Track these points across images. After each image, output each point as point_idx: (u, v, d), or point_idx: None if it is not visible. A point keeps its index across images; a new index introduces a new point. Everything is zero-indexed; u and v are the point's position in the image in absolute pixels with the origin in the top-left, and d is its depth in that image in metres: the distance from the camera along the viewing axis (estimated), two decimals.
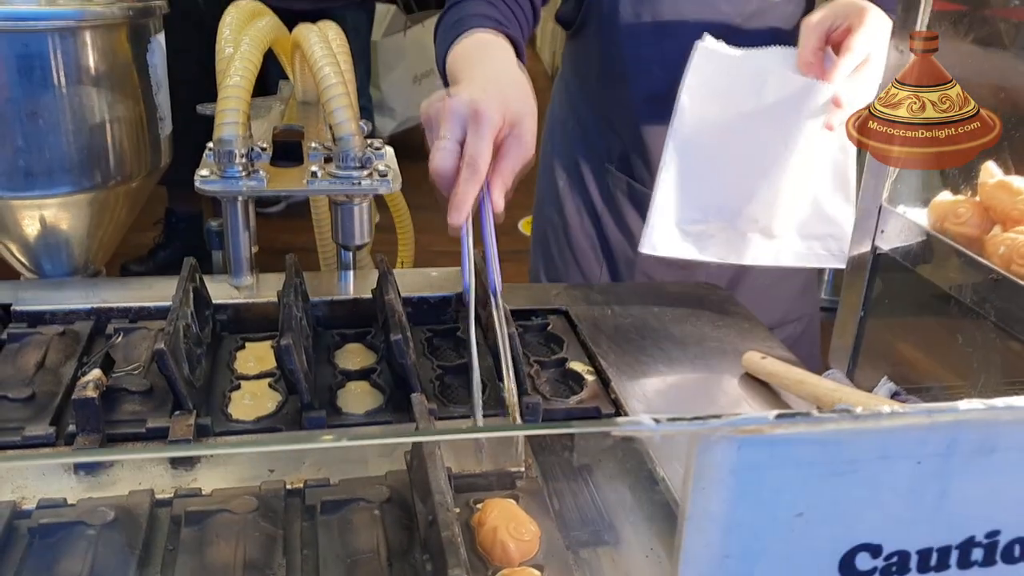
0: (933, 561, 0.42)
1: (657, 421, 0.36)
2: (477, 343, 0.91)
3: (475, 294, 0.79)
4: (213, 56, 0.87)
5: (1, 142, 1.08)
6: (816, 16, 0.94)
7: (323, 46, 0.77)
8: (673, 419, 0.36)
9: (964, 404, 0.39)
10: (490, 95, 0.76)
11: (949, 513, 0.41)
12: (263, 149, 0.78)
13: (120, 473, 0.70)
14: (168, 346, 0.70)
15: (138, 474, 0.70)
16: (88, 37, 1.11)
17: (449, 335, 0.96)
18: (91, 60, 1.12)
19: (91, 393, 0.72)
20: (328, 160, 0.77)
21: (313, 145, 0.78)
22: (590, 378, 0.87)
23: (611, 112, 1.22)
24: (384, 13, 4.27)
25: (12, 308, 0.93)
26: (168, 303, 0.92)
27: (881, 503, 0.40)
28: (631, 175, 1.23)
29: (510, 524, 0.63)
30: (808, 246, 1.03)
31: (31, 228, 1.13)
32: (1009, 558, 0.42)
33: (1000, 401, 0.39)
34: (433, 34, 1.04)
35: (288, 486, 0.68)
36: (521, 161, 0.78)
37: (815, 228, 1.01)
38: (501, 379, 0.85)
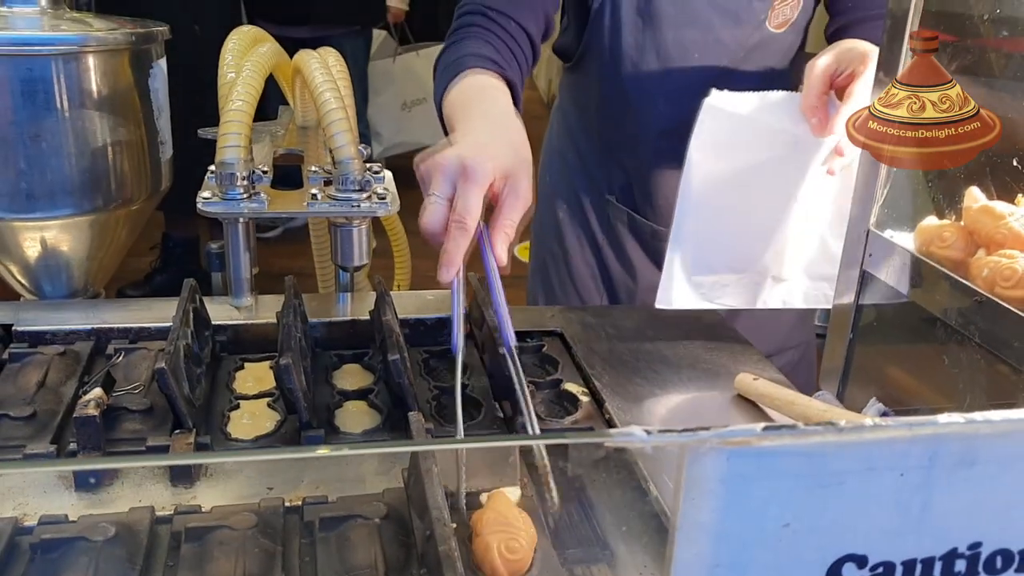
0: (917, 572, 0.43)
1: (648, 433, 0.38)
2: (472, 366, 0.92)
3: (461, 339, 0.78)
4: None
5: (4, 164, 1.10)
6: (821, 60, 0.95)
7: (323, 72, 0.79)
8: (663, 431, 0.38)
9: (944, 417, 0.40)
10: (481, 149, 0.77)
11: (932, 524, 0.42)
12: (264, 172, 0.80)
13: (121, 491, 0.71)
14: (169, 365, 0.71)
15: (138, 491, 0.71)
16: (91, 62, 1.14)
17: (445, 356, 0.97)
18: (93, 84, 1.14)
19: (92, 411, 0.73)
20: (328, 183, 0.79)
21: (313, 169, 0.80)
22: (584, 399, 0.88)
23: (612, 144, 1.23)
24: (374, 38, 4.35)
25: (13, 328, 0.95)
26: (167, 324, 0.94)
27: (866, 514, 0.41)
28: (633, 207, 1.24)
29: (502, 541, 0.63)
30: (816, 286, 1.04)
31: (32, 250, 1.14)
32: (991, 569, 0.44)
33: (979, 415, 0.40)
34: (433, 71, 1.05)
35: (287, 503, 0.69)
36: (520, 212, 0.78)
37: (822, 269, 1.03)
38: (496, 399, 0.86)
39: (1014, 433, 0.42)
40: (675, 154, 1.17)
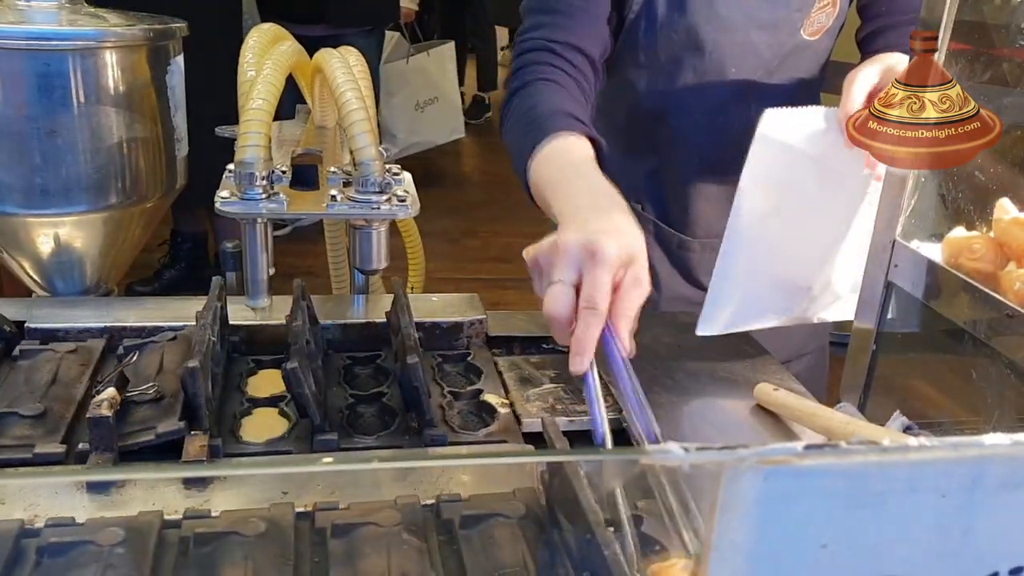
0: None
1: (686, 450, 0.36)
2: (487, 371, 0.91)
3: None
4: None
5: (19, 159, 1.09)
6: (862, 73, 0.91)
7: (345, 71, 0.77)
8: (701, 448, 0.36)
9: (989, 438, 0.39)
10: (605, 232, 0.74)
11: (973, 548, 0.41)
12: (283, 172, 0.79)
13: (132, 492, 0.70)
14: (200, 363, 0.70)
15: (150, 493, 0.70)
16: (108, 57, 1.13)
17: (459, 360, 0.96)
18: (110, 80, 1.14)
19: (105, 411, 0.72)
20: (347, 184, 0.78)
21: (332, 169, 0.79)
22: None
23: (641, 153, 1.21)
24: (387, 39, 4.36)
25: (25, 325, 0.94)
26: (180, 323, 0.93)
27: (906, 536, 0.40)
28: (661, 216, 1.22)
29: None
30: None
31: (45, 246, 1.14)
32: None
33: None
34: (500, 121, 1.02)
35: (300, 509, 0.68)
36: (641, 300, 0.75)
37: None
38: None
39: None
40: (708, 165, 1.16)
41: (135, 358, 0.86)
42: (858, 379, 0.88)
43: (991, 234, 0.78)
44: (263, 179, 0.73)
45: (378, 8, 3.55)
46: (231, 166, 0.75)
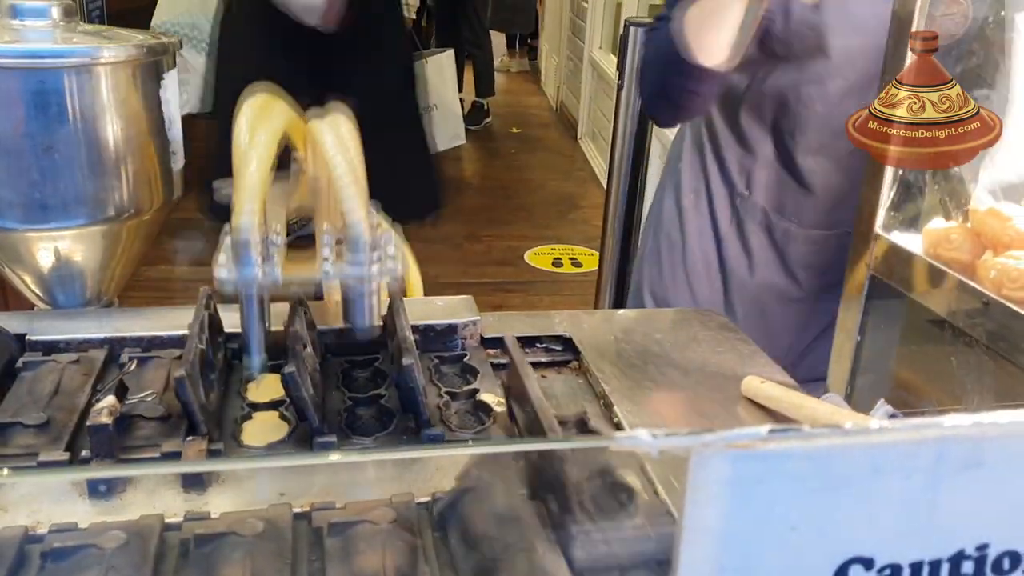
0: (924, 574, 0.43)
1: (654, 436, 0.38)
2: (484, 372, 0.92)
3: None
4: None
5: (17, 176, 1.11)
6: None
7: (335, 140, 0.81)
8: (669, 434, 0.38)
9: (950, 419, 0.40)
10: None
11: (939, 526, 0.42)
12: (277, 234, 0.82)
13: (133, 497, 0.72)
14: (187, 372, 0.72)
15: (151, 498, 0.72)
16: (103, 74, 1.15)
17: (455, 362, 0.97)
18: (105, 96, 1.15)
19: (105, 419, 0.74)
20: (339, 242, 0.81)
21: (325, 228, 0.82)
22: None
23: (757, 139, 1.23)
24: None
25: (27, 338, 0.96)
26: (181, 332, 0.95)
27: (872, 517, 0.41)
28: (769, 203, 1.25)
29: None
30: None
31: (46, 260, 1.16)
32: (999, 571, 0.44)
33: (985, 416, 0.41)
34: (647, 49, 1.13)
35: (297, 509, 0.69)
36: None
37: None
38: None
39: (1021, 434, 0.42)
40: (822, 156, 1.17)
41: (134, 366, 0.88)
42: (843, 369, 0.89)
43: (968, 224, 0.79)
44: (259, 245, 0.76)
45: None
46: (228, 227, 0.78)
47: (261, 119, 0.87)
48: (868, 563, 0.42)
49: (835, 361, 0.92)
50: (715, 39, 1.06)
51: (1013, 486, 0.42)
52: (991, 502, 0.42)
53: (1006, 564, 0.43)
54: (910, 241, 0.83)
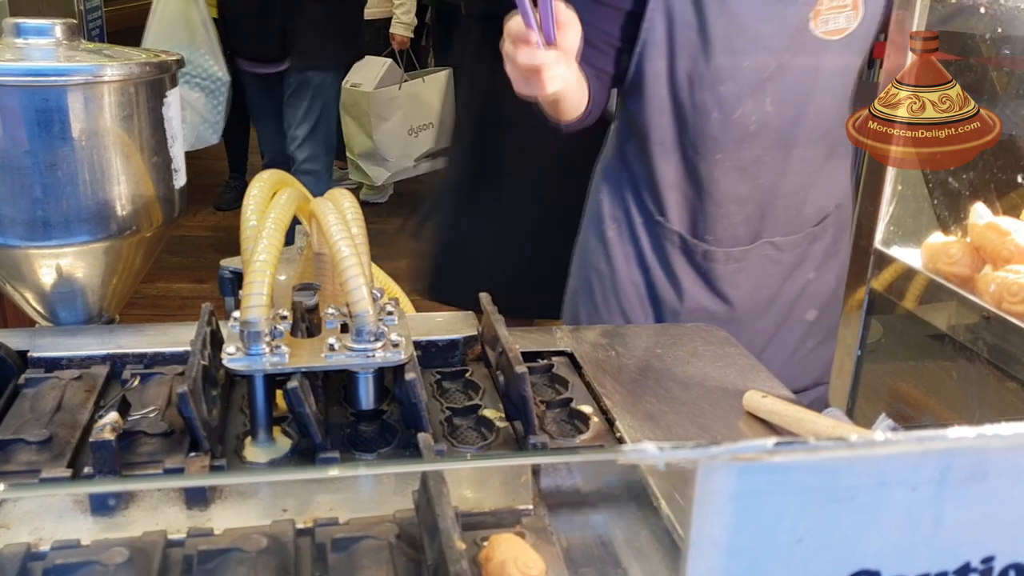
0: None
1: (660, 449, 0.38)
2: (485, 387, 0.93)
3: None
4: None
5: (20, 193, 1.11)
6: None
7: (340, 225, 0.83)
8: (675, 447, 0.38)
9: (955, 432, 0.41)
10: None
11: (945, 539, 0.42)
12: (283, 317, 0.84)
13: (136, 514, 0.72)
14: (190, 387, 0.72)
15: (153, 515, 0.72)
16: (105, 92, 1.15)
17: (458, 377, 0.97)
18: (108, 114, 1.16)
19: (108, 435, 0.74)
20: (344, 328, 0.82)
21: (330, 312, 0.84)
22: (595, 418, 0.88)
23: (664, 162, 1.24)
24: (379, 66, 4.47)
25: (29, 355, 0.96)
26: (182, 349, 0.95)
27: (878, 529, 0.41)
28: (688, 229, 1.25)
29: (518, 559, 0.64)
30: None
31: (48, 277, 1.16)
32: None
33: (990, 428, 0.41)
34: None
35: (300, 525, 0.69)
36: None
37: None
38: (509, 419, 0.87)
39: None
40: (728, 167, 1.18)
41: (137, 383, 0.88)
42: (845, 384, 0.90)
43: (967, 239, 0.80)
44: (267, 335, 0.78)
45: (341, 49, 3.60)
46: (236, 314, 0.80)
47: (271, 202, 0.90)
48: None
49: (836, 376, 0.92)
50: (561, 109, 1.11)
51: (1018, 498, 0.42)
52: (996, 514, 0.42)
53: None
54: (910, 255, 0.83)
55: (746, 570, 0.41)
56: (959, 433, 0.40)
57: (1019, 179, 0.78)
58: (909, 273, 0.82)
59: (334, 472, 0.72)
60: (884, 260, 0.85)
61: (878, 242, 0.85)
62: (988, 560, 0.43)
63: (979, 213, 0.79)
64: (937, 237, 0.82)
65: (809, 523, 0.41)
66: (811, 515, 0.40)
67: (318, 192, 1.01)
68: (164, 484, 0.71)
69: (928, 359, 0.84)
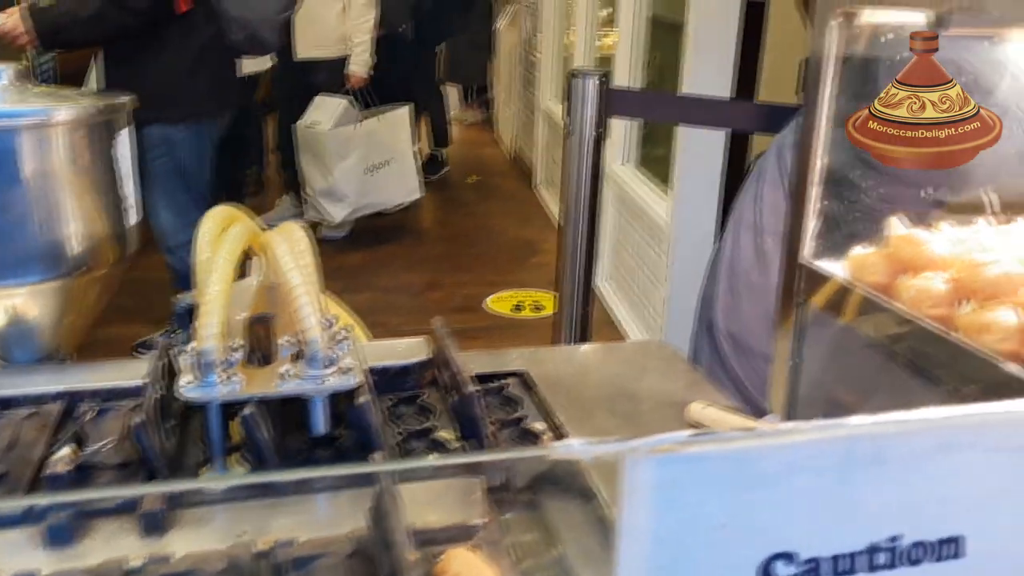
0: (843, 566, 0.46)
1: (588, 444, 0.41)
2: (440, 410, 0.96)
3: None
4: None
5: None
6: None
7: (288, 251, 0.86)
8: (600, 442, 0.41)
9: (854, 420, 0.44)
10: None
11: (852, 520, 0.46)
12: (240, 347, 0.86)
13: (92, 545, 0.72)
14: (145, 417, 0.73)
15: (109, 545, 0.72)
16: (56, 134, 1.17)
17: (411, 402, 1.00)
18: (59, 156, 1.18)
19: (62, 469, 0.75)
20: (298, 356, 0.85)
21: (284, 341, 0.86)
22: (548, 435, 0.91)
23: None
24: (336, 106, 4.53)
25: None
26: (138, 383, 0.96)
27: (791, 513, 0.45)
28: None
29: (472, 573, 0.66)
30: None
31: (0, 317, 1.16)
32: (912, 560, 0.47)
33: (887, 416, 0.45)
34: None
35: (258, 548, 0.71)
36: None
37: None
38: (464, 438, 0.89)
39: (919, 432, 0.46)
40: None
41: (91, 416, 0.89)
42: (782, 392, 0.94)
43: (887, 250, 0.85)
44: (221, 365, 0.80)
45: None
46: (192, 347, 0.82)
47: (221, 234, 0.92)
48: (790, 558, 0.45)
49: (774, 384, 0.96)
50: None
51: (917, 480, 0.46)
52: (898, 495, 0.46)
53: (918, 553, 0.47)
54: (835, 267, 0.88)
55: (673, 556, 0.44)
56: (858, 420, 0.44)
57: (921, 194, 0.83)
58: (834, 284, 0.86)
59: (290, 476, 0.74)
60: (811, 272, 0.89)
61: (806, 254, 0.90)
62: (894, 539, 0.47)
63: (895, 225, 0.84)
64: (860, 249, 0.87)
65: (728, 509, 0.44)
66: (729, 502, 0.44)
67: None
68: (120, 493, 0.72)
69: (860, 366, 0.89)
